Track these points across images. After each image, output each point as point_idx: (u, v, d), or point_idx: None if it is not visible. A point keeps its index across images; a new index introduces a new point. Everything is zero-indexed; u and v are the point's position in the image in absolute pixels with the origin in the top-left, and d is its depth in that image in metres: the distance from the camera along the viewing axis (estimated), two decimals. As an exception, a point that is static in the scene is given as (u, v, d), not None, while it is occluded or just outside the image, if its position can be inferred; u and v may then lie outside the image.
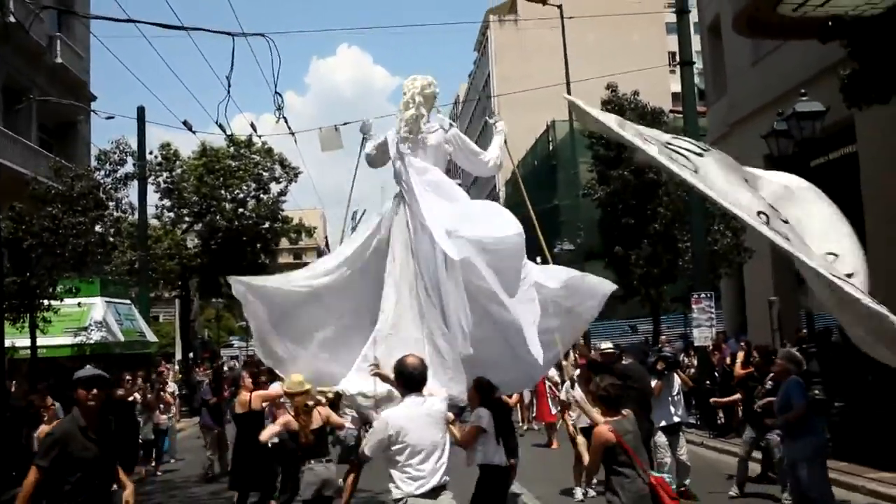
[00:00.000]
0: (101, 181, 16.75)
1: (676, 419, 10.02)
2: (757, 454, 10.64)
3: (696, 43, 21.47)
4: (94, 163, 17.90)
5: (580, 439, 10.03)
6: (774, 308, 14.09)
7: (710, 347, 15.89)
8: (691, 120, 15.82)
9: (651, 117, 18.57)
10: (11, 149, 21.29)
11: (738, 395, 11.30)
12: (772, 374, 8.93)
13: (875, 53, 10.04)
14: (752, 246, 18.68)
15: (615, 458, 5.54)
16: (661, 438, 9.79)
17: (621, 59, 44.90)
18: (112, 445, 5.73)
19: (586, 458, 7.95)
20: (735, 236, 18.68)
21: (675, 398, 10.11)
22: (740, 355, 12.44)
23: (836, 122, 13.29)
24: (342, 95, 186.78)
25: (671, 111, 23.56)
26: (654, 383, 9.91)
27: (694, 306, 15.93)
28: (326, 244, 64.01)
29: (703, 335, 15.87)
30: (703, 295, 15.89)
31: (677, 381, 10.27)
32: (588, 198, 20.42)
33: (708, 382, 15.22)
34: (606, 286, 7.54)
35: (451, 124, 7.59)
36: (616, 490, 5.52)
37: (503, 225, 6.47)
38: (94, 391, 5.47)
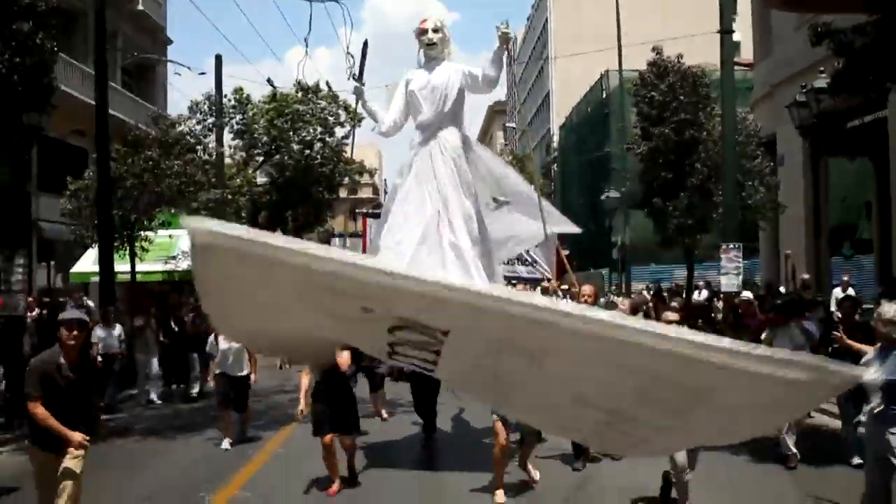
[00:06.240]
0: (192, 129, 18.71)
1: None
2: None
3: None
4: (186, 112, 19.84)
5: None
6: (789, 261, 15.36)
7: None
8: (729, 89, 16.84)
9: (693, 80, 19.56)
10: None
11: None
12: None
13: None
14: (785, 202, 19.84)
15: None
16: None
17: (674, 6, 45.31)
18: (90, 380, 6.02)
19: None
20: (769, 191, 19.84)
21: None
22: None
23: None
24: (397, 31, 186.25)
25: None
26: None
27: (722, 255, 17.23)
28: (385, 184, 65.65)
29: (730, 283, 17.24)
30: (731, 245, 17.20)
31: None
32: (631, 151, 21.62)
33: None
34: None
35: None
36: None
37: None
38: (75, 332, 5.71)
